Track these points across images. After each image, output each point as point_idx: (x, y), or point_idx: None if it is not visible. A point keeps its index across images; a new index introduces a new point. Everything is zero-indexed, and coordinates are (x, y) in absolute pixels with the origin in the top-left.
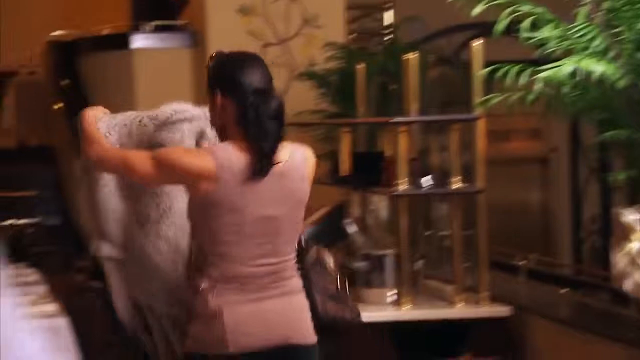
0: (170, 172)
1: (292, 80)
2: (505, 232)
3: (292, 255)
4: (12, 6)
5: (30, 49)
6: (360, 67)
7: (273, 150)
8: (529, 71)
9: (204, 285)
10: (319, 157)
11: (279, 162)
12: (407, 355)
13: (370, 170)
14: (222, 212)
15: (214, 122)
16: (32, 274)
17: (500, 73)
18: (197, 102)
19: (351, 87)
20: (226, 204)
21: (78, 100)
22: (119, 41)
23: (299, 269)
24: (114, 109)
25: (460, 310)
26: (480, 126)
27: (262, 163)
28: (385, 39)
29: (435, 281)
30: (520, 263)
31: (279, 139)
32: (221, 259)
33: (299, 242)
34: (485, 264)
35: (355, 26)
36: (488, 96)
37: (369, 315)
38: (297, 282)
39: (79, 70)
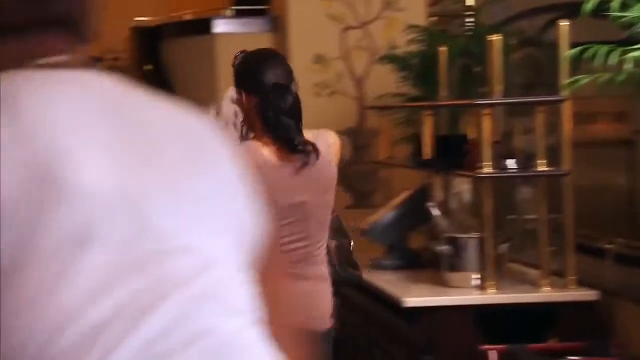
0: None
1: (373, 64)
2: (589, 215)
3: (323, 241)
4: None
5: (114, 34)
6: (442, 49)
7: (300, 141)
8: (618, 51)
9: None
10: (400, 140)
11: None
12: (492, 339)
13: (453, 153)
14: None
15: (244, 120)
16: None
17: (588, 54)
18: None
19: (433, 70)
20: None
21: (161, 86)
22: (201, 26)
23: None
24: (196, 93)
25: (546, 294)
26: (567, 108)
27: (304, 156)
28: (467, 21)
29: (520, 265)
30: (607, 246)
31: (299, 131)
32: None
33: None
34: (571, 248)
35: (437, 9)
36: (575, 77)
37: (453, 298)
38: (324, 270)
39: (161, 55)
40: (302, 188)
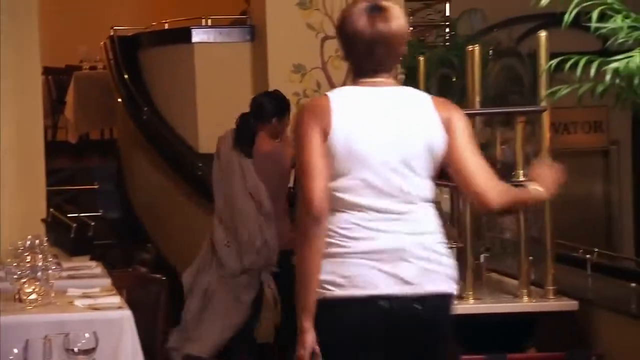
0: None
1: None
2: (565, 224)
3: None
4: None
5: (92, 43)
6: (421, 59)
7: (248, 142)
8: (597, 62)
9: None
10: None
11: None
12: (472, 349)
13: None
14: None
15: None
16: (96, 267)
17: (569, 65)
18: (255, 94)
19: (412, 80)
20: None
21: (139, 94)
22: (180, 35)
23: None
24: (175, 102)
25: (526, 304)
26: (546, 118)
27: (242, 150)
28: (446, 31)
29: (499, 275)
30: (587, 256)
31: (253, 136)
32: None
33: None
34: (551, 258)
35: (415, 19)
36: (556, 88)
37: None
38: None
39: (140, 64)
40: (259, 172)
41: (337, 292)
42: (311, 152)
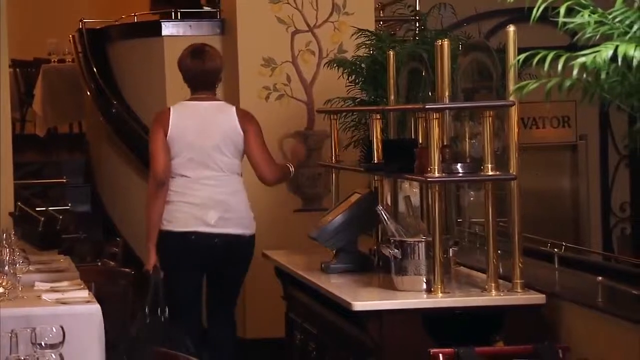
0: None
1: (322, 68)
2: (534, 218)
3: None
4: None
5: (61, 36)
6: (391, 53)
7: None
8: (564, 57)
9: None
10: (350, 144)
11: None
12: (441, 342)
13: (403, 157)
14: None
15: None
16: (64, 261)
17: (537, 59)
18: (225, 88)
19: (381, 74)
20: None
21: (108, 88)
22: (150, 29)
23: None
24: (144, 95)
25: (493, 297)
26: (514, 113)
27: None
28: (416, 25)
29: (467, 268)
30: (554, 250)
31: None
32: None
33: None
34: (519, 251)
35: (385, 13)
36: (524, 82)
37: (401, 302)
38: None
39: (109, 57)
40: None
41: (168, 227)
42: (156, 144)
